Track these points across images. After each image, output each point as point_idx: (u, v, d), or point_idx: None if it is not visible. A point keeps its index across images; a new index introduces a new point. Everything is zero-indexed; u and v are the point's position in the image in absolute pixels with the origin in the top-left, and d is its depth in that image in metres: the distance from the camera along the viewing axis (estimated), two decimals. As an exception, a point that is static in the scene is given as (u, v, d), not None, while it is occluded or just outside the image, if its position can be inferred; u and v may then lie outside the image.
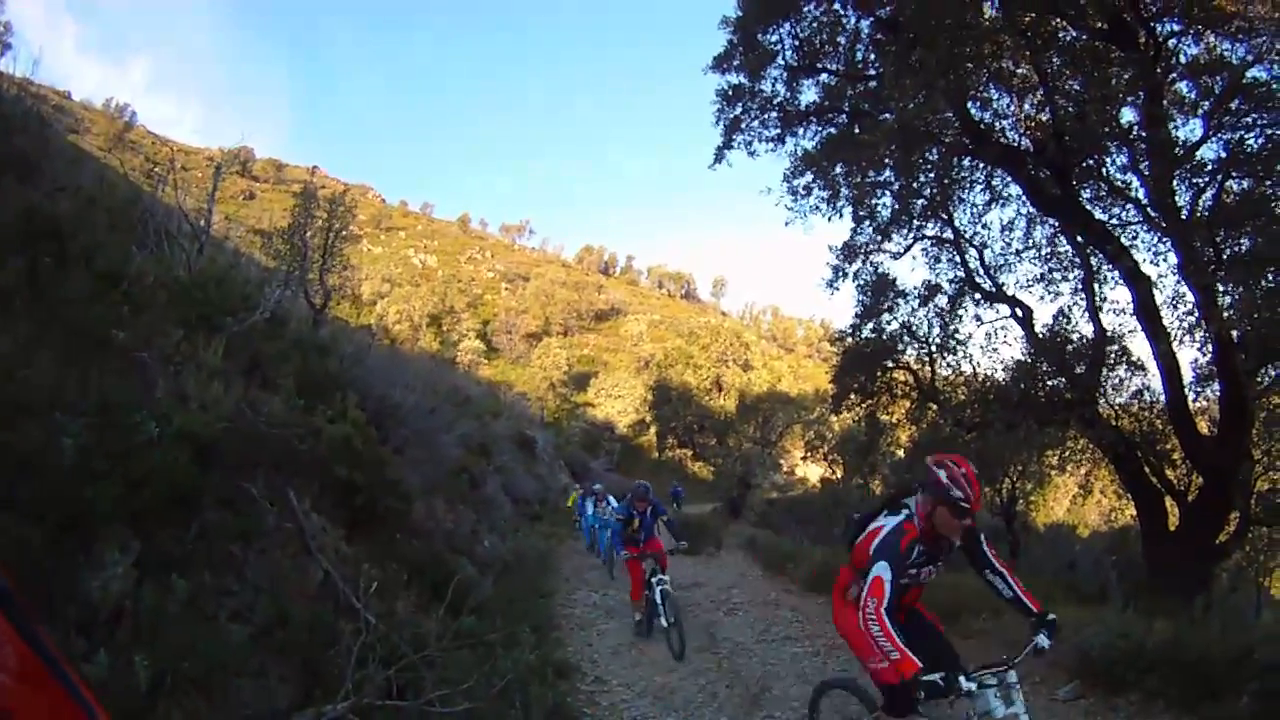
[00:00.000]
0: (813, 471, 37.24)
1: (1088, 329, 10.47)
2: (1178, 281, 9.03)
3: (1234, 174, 8.49)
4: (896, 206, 11.77)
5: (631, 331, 68.72)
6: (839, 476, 23.37)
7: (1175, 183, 8.62)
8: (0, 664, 0.81)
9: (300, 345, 7.51)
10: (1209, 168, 8.58)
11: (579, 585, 11.44)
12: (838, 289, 12.28)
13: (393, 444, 8.40)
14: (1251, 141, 8.21)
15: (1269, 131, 8.04)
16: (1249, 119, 8.16)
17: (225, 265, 8.10)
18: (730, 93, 11.52)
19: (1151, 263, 9.57)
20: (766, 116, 11.55)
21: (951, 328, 11.77)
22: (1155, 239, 9.53)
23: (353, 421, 6.23)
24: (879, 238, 12.00)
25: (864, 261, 12.10)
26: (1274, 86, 8.02)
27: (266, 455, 4.76)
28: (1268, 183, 8.12)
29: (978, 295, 11.52)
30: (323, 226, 14.92)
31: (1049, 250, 11.10)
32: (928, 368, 12.12)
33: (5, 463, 2.80)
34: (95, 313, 4.45)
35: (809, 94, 11.46)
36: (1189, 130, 8.96)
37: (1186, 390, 9.21)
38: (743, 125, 11.55)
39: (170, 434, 3.77)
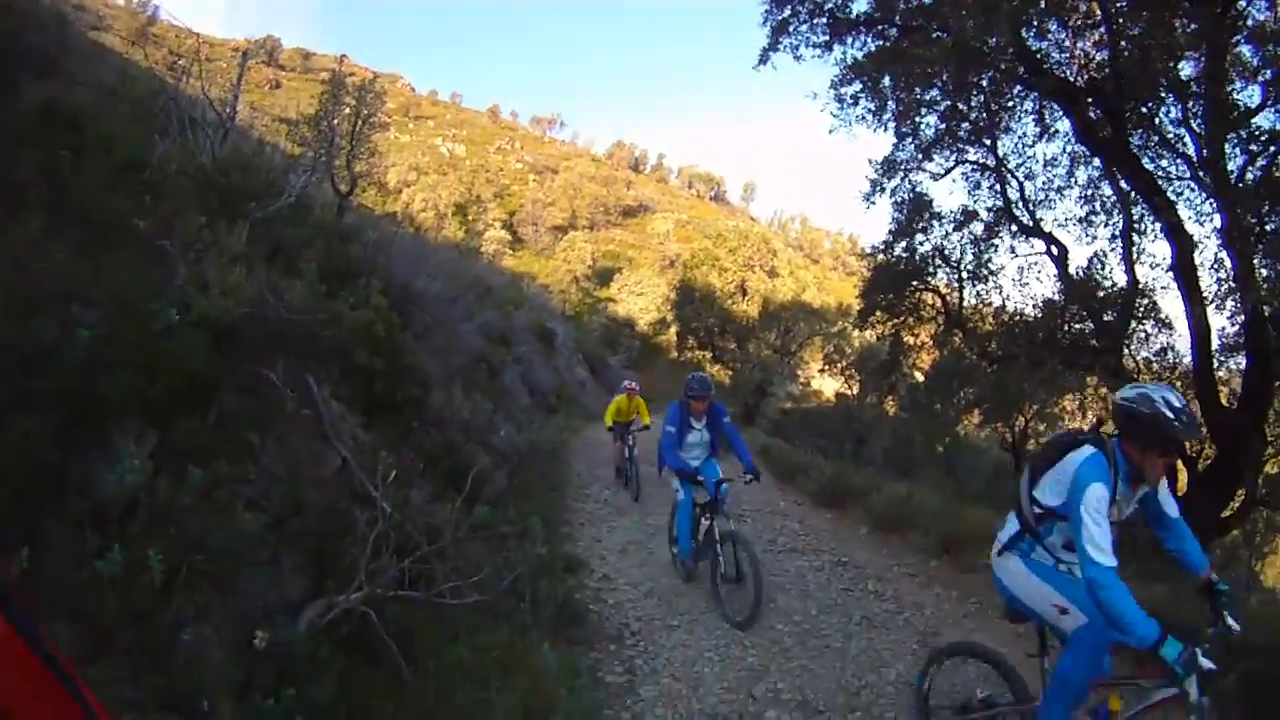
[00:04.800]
0: (828, 385, 37.28)
1: (1121, 278, 10.17)
2: (1219, 246, 8.63)
3: (1288, 147, 8.05)
4: (942, 126, 11.27)
5: (658, 229, 67.48)
6: (855, 393, 23.28)
7: (1228, 146, 8.19)
8: None
9: (324, 231, 7.42)
10: (1264, 136, 8.13)
11: (591, 480, 11.62)
12: (874, 203, 11.91)
13: (414, 331, 8.40)
14: None
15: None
16: (1310, 93, 7.69)
17: (250, 152, 7.92)
18: (780, -7, 10.85)
19: (1195, 222, 9.20)
20: (816, 22, 10.88)
21: (985, 256, 11.51)
22: (1201, 199, 9.10)
23: (375, 308, 6.20)
24: (920, 156, 11.55)
25: (903, 179, 11.71)
26: None
27: (287, 341, 4.72)
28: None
29: (1014, 227, 11.17)
30: (350, 113, 14.46)
31: (1091, 191, 10.63)
32: (957, 294, 11.91)
33: (20, 358, 2.76)
34: (114, 202, 4.36)
35: (860, 3, 10.82)
36: (1248, 96, 8.43)
37: (1213, 357, 8.99)
38: (790, 28, 10.90)
39: (189, 321, 3.72)
